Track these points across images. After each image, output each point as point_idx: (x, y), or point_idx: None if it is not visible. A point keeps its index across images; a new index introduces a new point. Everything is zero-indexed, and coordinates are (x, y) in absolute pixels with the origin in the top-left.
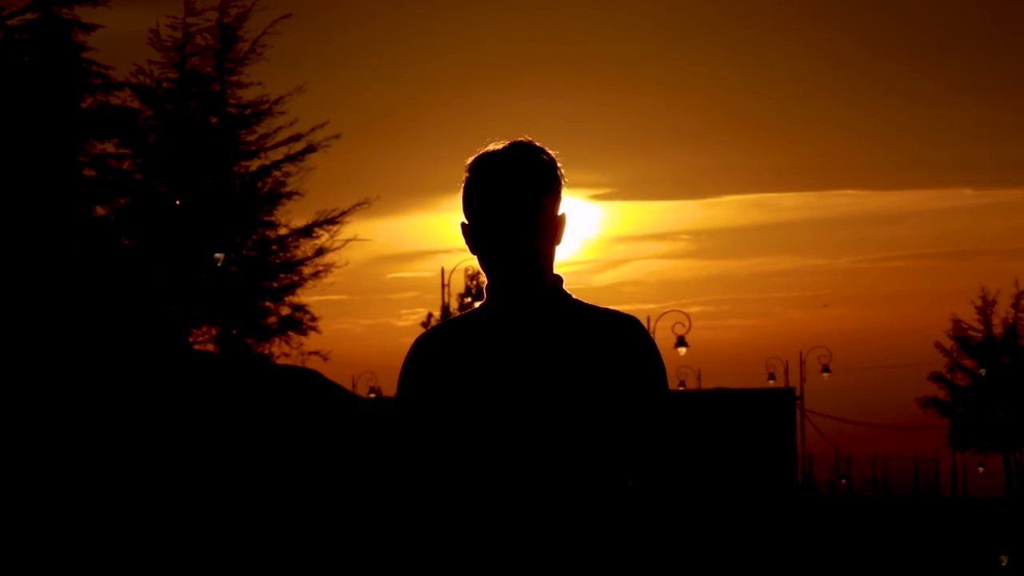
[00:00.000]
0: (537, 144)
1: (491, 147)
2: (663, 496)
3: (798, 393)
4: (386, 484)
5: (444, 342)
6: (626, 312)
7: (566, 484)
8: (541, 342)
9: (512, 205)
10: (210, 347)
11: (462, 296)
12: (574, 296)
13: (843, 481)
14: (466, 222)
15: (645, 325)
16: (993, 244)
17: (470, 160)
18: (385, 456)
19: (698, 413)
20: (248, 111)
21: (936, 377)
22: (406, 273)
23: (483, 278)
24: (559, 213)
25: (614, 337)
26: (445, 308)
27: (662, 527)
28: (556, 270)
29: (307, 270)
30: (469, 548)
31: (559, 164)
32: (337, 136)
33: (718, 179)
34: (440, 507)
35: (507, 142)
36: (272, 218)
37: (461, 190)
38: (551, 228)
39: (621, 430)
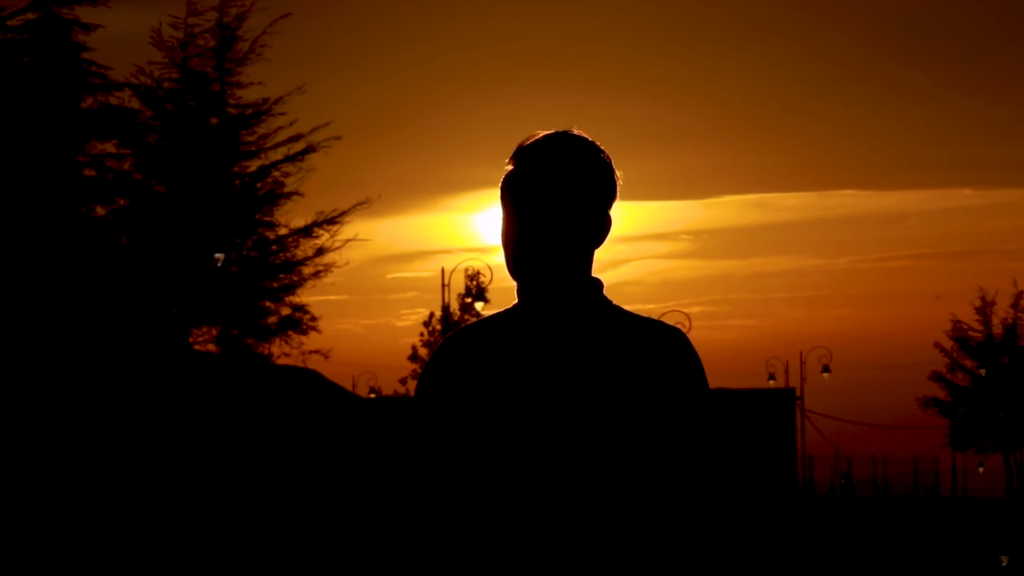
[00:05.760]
0: (590, 139)
1: (540, 136)
2: (700, 518)
3: (798, 393)
4: (403, 485)
5: (475, 342)
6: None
7: (595, 495)
8: (578, 347)
9: (568, 205)
10: (210, 347)
11: (462, 296)
12: (614, 303)
13: (843, 482)
14: (507, 219)
15: None
16: (993, 244)
17: (517, 148)
18: (402, 457)
19: (720, 424)
20: (248, 111)
21: (936, 377)
22: (406, 273)
23: (483, 279)
24: (609, 215)
25: (657, 349)
26: (445, 308)
27: (699, 551)
28: None
29: (307, 270)
30: (491, 557)
31: (613, 163)
32: (338, 137)
33: (718, 179)
34: (460, 512)
35: (555, 131)
36: (272, 218)
37: (501, 180)
38: (602, 231)
39: (657, 446)
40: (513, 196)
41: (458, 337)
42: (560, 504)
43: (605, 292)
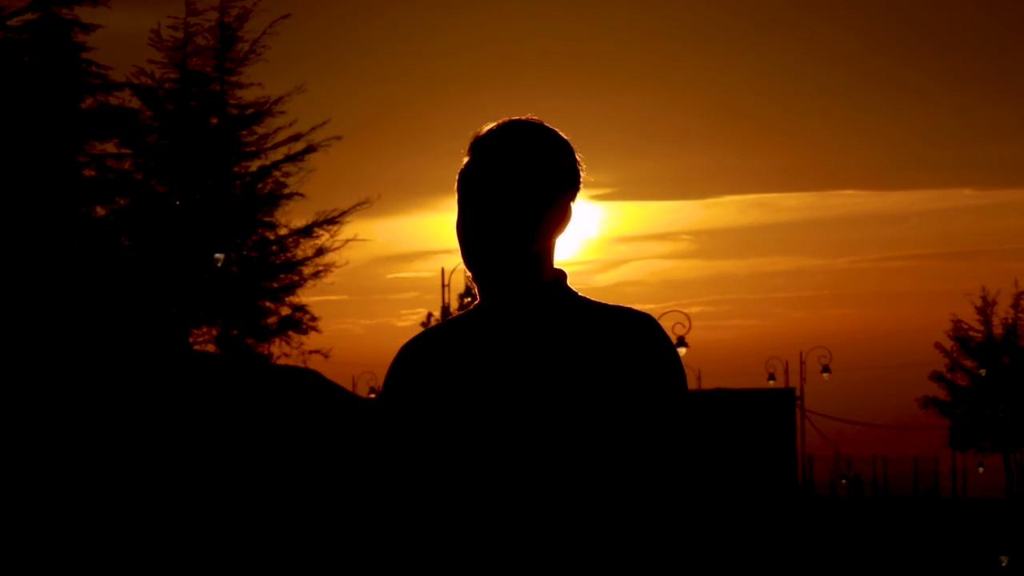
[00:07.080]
0: (548, 125)
1: (494, 126)
2: (681, 510)
3: (798, 393)
4: (372, 498)
5: (435, 346)
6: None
7: (571, 495)
8: (545, 343)
9: (524, 194)
10: (210, 347)
11: (462, 296)
12: (581, 294)
13: (843, 482)
14: (461, 213)
15: None
16: (993, 244)
17: (471, 140)
18: (369, 471)
19: (698, 413)
20: (248, 111)
21: (936, 377)
22: (406, 273)
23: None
24: (571, 204)
25: (627, 337)
26: (445, 308)
27: (680, 545)
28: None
29: (307, 270)
30: (468, 563)
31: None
32: (339, 137)
33: (718, 179)
34: (431, 521)
35: (510, 119)
36: (272, 218)
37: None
38: (562, 222)
39: (633, 439)
40: (468, 187)
41: (417, 343)
42: (538, 505)
43: (606, 292)
